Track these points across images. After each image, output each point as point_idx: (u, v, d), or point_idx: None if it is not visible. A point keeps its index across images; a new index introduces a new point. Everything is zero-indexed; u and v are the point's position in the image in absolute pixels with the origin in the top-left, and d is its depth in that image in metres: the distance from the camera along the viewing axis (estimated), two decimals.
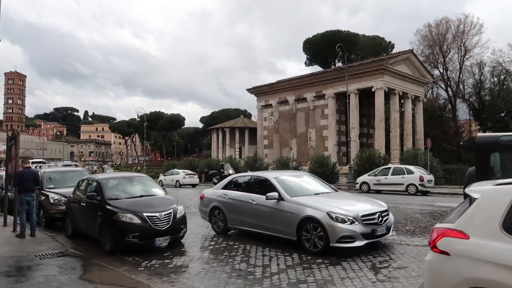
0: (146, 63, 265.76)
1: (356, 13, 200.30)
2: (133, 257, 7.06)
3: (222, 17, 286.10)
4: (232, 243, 7.98)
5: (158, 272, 6.14)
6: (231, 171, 13.78)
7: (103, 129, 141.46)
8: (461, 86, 52.68)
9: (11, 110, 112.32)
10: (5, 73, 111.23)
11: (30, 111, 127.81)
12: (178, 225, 7.69)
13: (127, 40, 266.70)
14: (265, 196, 7.71)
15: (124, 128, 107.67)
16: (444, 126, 52.35)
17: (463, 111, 56.57)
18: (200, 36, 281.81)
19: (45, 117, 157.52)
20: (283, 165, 33.23)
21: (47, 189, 10.57)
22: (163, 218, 7.42)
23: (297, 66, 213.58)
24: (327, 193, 8.10)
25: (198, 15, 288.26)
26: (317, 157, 31.91)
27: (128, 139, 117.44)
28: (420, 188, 19.92)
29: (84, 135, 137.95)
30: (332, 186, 8.80)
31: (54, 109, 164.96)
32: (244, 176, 9.33)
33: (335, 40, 59.66)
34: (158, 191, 8.59)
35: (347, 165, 26.30)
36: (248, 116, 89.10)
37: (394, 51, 58.36)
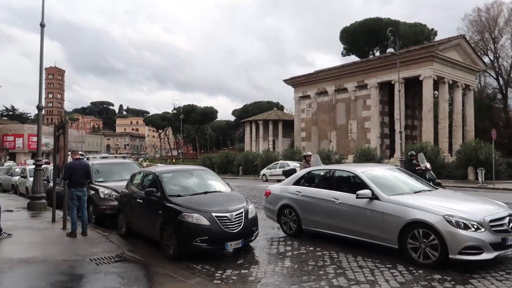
0: (176, 58, 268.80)
1: (389, 2, 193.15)
2: (202, 265, 6.02)
3: (251, 11, 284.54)
4: (312, 248, 6.79)
5: (239, 287, 5.04)
6: (428, 165, 11.72)
7: (137, 122, 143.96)
8: (511, 75, 49.02)
9: (51, 104, 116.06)
10: (45, 68, 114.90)
11: (68, 106, 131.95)
12: (250, 227, 6.58)
13: (158, 35, 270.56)
14: (351, 195, 6.47)
15: (158, 121, 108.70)
16: (494, 117, 48.95)
17: None
18: (229, 30, 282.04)
19: (83, 111, 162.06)
20: (324, 158, 31.66)
21: (96, 183, 9.75)
22: (234, 219, 6.33)
23: (327, 58, 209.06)
24: (428, 190, 6.74)
25: (227, 9, 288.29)
26: (362, 150, 30.23)
27: (161, 132, 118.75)
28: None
29: (119, 129, 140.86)
30: (429, 183, 7.39)
31: (91, 103, 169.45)
32: (321, 170, 8.06)
33: (375, 29, 57.26)
34: (223, 187, 7.50)
35: (399, 158, 24.46)
36: (281, 108, 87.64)
37: (436, 38, 55.05)
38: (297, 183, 7.94)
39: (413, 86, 37.33)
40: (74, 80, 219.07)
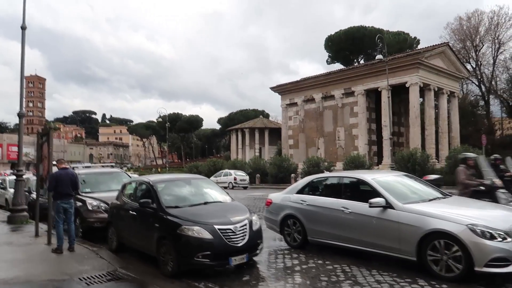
0: (160, 66, 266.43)
1: (370, 11, 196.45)
2: (204, 283, 5.49)
3: (235, 19, 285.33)
4: (321, 262, 6.34)
5: None
6: None
7: (120, 131, 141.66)
8: (493, 82, 50.08)
9: (31, 113, 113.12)
10: (25, 76, 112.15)
11: (49, 115, 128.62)
12: (255, 240, 6.09)
13: (141, 43, 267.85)
14: (362, 203, 6.07)
15: (142, 130, 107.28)
16: (477, 124, 49.77)
17: (495, 108, 53.82)
18: (213, 38, 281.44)
19: (64, 120, 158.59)
20: (314, 165, 31.51)
21: (83, 194, 9.11)
22: (239, 231, 5.84)
23: (311, 67, 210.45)
24: (442, 198, 6.39)
25: (210, 17, 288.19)
26: (352, 157, 30.07)
27: (146, 141, 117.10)
28: (234, 185, 30.53)
29: (102, 138, 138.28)
30: (440, 189, 7.05)
31: (73, 112, 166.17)
32: (327, 177, 7.65)
33: (359, 36, 57.94)
34: (223, 197, 6.99)
35: (389, 165, 24.35)
36: (266, 116, 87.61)
37: (419, 47, 55.94)
38: (300, 191, 7.50)
39: (399, 93, 37.65)
40: (55, 89, 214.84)
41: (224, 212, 6.21)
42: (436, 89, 36.61)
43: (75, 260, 6.81)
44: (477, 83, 50.43)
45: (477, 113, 51.28)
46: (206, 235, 5.61)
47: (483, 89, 50.17)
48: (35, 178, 14.36)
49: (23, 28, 11.63)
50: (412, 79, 34.27)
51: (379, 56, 24.78)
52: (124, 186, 7.82)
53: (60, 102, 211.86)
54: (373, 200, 5.84)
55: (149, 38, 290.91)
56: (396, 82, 35.22)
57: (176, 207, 6.22)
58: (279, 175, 33.87)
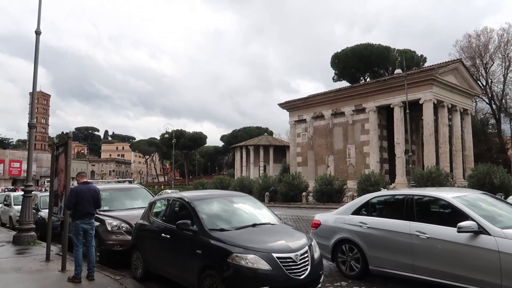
0: (161, 83, 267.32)
1: (370, 30, 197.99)
2: None
3: (236, 37, 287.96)
4: None
5: None
6: None
7: (123, 148, 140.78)
8: (503, 100, 49.43)
9: (35, 129, 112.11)
10: (29, 92, 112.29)
11: (51, 132, 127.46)
12: (317, 271, 5.07)
13: (143, 61, 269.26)
14: (446, 228, 5.10)
15: (145, 147, 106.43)
16: (489, 142, 48.86)
17: (505, 126, 53.01)
18: (214, 56, 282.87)
19: (58, 139, 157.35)
20: (326, 183, 30.36)
21: (101, 212, 8.10)
22: (300, 260, 4.83)
23: (312, 85, 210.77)
24: None
25: (211, 35, 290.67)
26: (366, 175, 28.96)
27: (148, 158, 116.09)
28: None
29: (104, 154, 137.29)
30: None
31: (76, 128, 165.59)
32: (391, 196, 6.64)
33: (366, 54, 57.63)
34: (271, 217, 5.97)
35: (409, 184, 23.28)
36: (270, 133, 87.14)
37: (425, 65, 55.62)
38: (357, 212, 6.49)
39: (410, 110, 36.75)
40: (57, 106, 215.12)
41: (278, 236, 5.21)
42: (450, 106, 35.87)
43: None
44: (487, 101, 49.78)
45: (488, 132, 50.45)
46: (263, 265, 4.60)
47: (494, 107, 49.47)
48: (42, 194, 13.44)
49: (38, 32, 10.88)
50: (426, 95, 33.54)
51: (398, 71, 24.09)
52: (152, 204, 6.82)
53: (63, 119, 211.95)
54: (463, 224, 4.85)
55: (151, 55, 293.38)
56: (410, 98, 34.30)
57: (222, 230, 5.22)
58: (289, 193, 32.70)
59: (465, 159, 38.10)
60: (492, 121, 51.35)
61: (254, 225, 5.50)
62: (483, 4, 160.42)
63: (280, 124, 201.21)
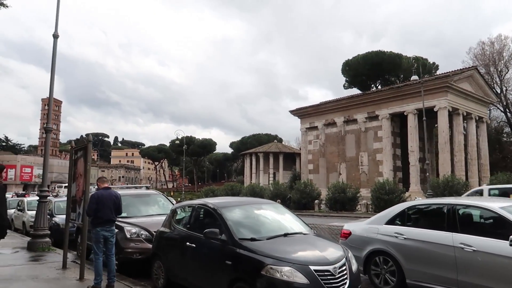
0: (170, 90, 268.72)
1: (378, 39, 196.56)
2: None
3: (244, 45, 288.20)
4: None
5: None
6: None
7: (132, 154, 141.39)
8: None
9: (51, 132, 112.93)
10: (42, 99, 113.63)
11: (62, 138, 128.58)
12: (356, 285, 4.73)
13: (152, 68, 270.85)
14: (497, 241, 4.74)
15: (154, 153, 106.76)
16: (504, 150, 47.96)
17: None
18: (222, 64, 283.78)
19: (77, 142, 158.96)
20: (340, 191, 29.89)
21: (119, 219, 7.82)
22: (339, 273, 4.50)
23: (320, 93, 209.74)
24: None
25: (219, 43, 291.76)
26: (381, 183, 28.39)
27: (157, 164, 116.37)
28: None
29: (114, 160, 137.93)
30: None
31: (86, 135, 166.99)
32: (429, 204, 6.27)
33: (378, 61, 57.13)
34: (303, 226, 5.64)
35: (427, 193, 22.73)
36: (279, 141, 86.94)
37: (437, 72, 55.04)
38: (391, 221, 6.13)
39: (422, 117, 36.14)
40: (68, 112, 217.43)
41: (313, 247, 4.88)
42: (465, 113, 35.26)
43: None
44: (502, 109, 48.97)
45: (502, 140, 49.58)
46: (300, 278, 4.28)
47: (509, 115, 48.63)
48: (57, 200, 13.28)
49: (55, 36, 10.77)
50: (441, 103, 32.99)
51: (414, 77, 23.71)
52: (174, 211, 6.54)
53: (73, 125, 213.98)
54: None
55: (160, 63, 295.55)
56: (424, 106, 33.96)
57: (252, 239, 4.91)
58: (301, 201, 32.29)
59: (480, 167, 37.35)
60: (507, 129, 50.50)
61: (285, 235, 5.19)
62: (492, 12, 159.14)
63: (288, 132, 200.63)
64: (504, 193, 12.79)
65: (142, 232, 7.40)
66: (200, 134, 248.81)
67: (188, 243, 5.62)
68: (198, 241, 5.42)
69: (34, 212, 10.93)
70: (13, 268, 7.70)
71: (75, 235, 9.75)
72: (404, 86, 35.97)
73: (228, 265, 4.81)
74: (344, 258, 4.74)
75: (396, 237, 5.83)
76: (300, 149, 77.88)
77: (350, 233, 6.61)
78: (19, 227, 15.92)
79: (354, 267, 4.85)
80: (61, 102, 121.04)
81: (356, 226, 6.69)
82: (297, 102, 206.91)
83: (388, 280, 5.94)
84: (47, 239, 10.29)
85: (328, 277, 4.39)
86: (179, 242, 5.85)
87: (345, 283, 4.50)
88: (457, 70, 35.28)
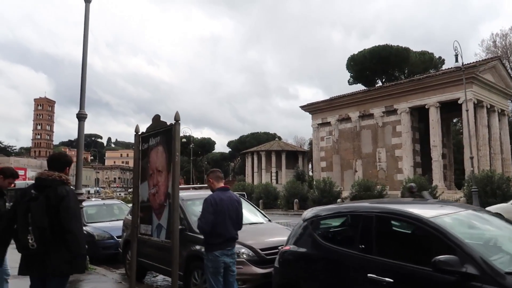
0: (160, 90, 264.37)
1: (367, 36, 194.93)
2: None
3: (233, 44, 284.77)
4: None
5: None
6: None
7: (127, 155, 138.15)
8: None
9: (39, 136, 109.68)
10: (34, 99, 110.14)
11: (53, 139, 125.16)
12: None
13: (141, 67, 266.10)
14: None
15: None
16: None
17: None
18: (212, 62, 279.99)
19: (70, 144, 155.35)
20: (366, 189, 28.04)
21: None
22: None
23: (310, 91, 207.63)
24: None
25: (209, 42, 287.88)
26: (413, 179, 26.55)
27: None
28: None
29: (108, 161, 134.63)
30: None
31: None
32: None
33: (385, 56, 55.41)
34: None
35: (472, 189, 20.92)
36: (279, 139, 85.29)
37: (443, 67, 53.71)
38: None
39: (442, 111, 34.51)
40: (58, 113, 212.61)
41: None
42: (488, 106, 33.68)
43: None
44: None
45: None
46: None
47: None
48: (87, 204, 11.01)
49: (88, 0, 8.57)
50: (467, 95, 31.25)
51: (456, 64, 21.61)
52: (317, 221, 4.40)
53: (64, 126, 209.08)
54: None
55: (149, 62, 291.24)
56: (447, 98, 32.39)
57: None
58: (322, 200, 30.33)
59: (503, 162, 35.85)
60: None
61: None
62: (480, 9, 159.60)
63: (280, 130, 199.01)
64: None
65: (243, 250, 5.24)
66: (192, 133, 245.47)
67: (373, 276, 3.50)
68: (402, 275, 3.29)
69: None
70: None
71: (122, 250, 7.67)
72: (425, 78, 34.30)
73: None
74: None
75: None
76: (300, 146, 76.32)
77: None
78: None
79: None
80: (54, 102, 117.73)
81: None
82: (288, 101, 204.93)
83: None
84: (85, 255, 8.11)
85: None
86: (347, 272, 3.72)
87: None
88: (481, 60, 33.82)
